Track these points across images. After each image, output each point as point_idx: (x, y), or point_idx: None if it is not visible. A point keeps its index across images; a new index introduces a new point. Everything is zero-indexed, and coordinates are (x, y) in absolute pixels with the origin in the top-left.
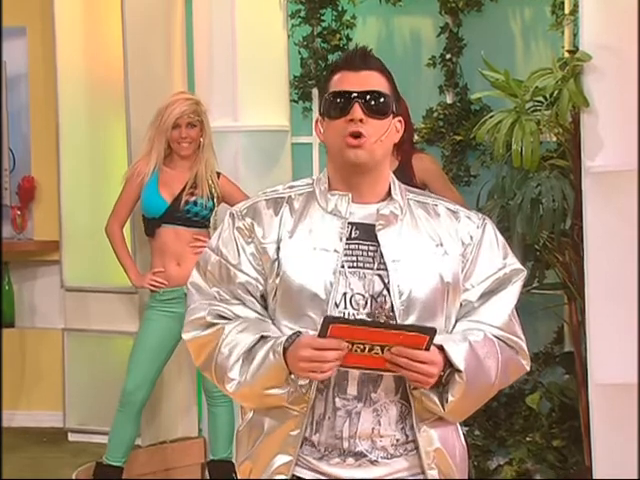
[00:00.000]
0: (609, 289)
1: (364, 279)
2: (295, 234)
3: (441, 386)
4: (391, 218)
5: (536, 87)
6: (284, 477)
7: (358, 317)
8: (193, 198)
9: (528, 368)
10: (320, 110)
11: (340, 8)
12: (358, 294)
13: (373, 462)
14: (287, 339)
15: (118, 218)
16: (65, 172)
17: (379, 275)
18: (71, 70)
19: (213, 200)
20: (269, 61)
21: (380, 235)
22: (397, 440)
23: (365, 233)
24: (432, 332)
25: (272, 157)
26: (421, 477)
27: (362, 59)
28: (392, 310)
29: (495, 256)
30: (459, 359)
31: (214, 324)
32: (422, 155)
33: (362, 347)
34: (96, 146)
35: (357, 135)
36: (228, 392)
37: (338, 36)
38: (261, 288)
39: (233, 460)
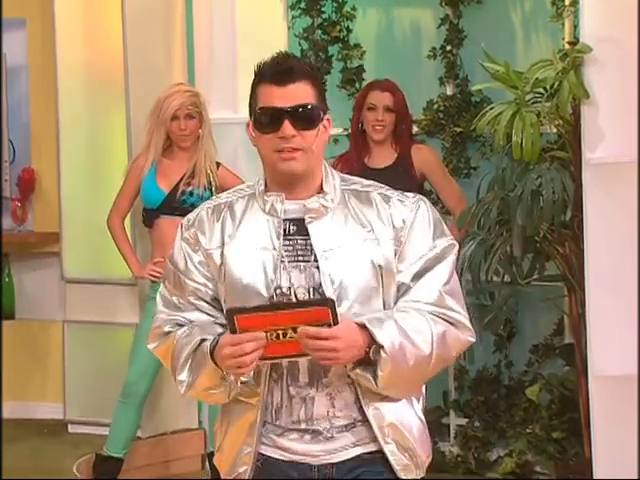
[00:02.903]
0: (609, 281)
1: (305, 272)
2: (236, 237)
3: (372, 364)
4: (320, 210)
5: (536, 79)
6: (246, 467)
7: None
8: (189, 188)
9: (472, 339)
10: (249, 116)
11: (340, 0)
12: (300, 286)
13: (328, 438)
14: (211, 342)
15: (119, 211)
16: (65, 164)
17: (317, 267)
18: (71, 62)
19: (211, 190)
20: (269, 53)
21: (310, 228)
22: (354, 419)
23: (300, 228)
24: (331, 302)
25: None
26: (374, 449)
27: (287, 73)
28: None
29: (427, 236)
30: (381, 335)
31: (170, 332)
32: (421, 146)
33: (276, 334)
34: (96, 137)
35: (289, 150)
36: (182, 393)
37: (338, 28)
38: (211, 293)
39: None
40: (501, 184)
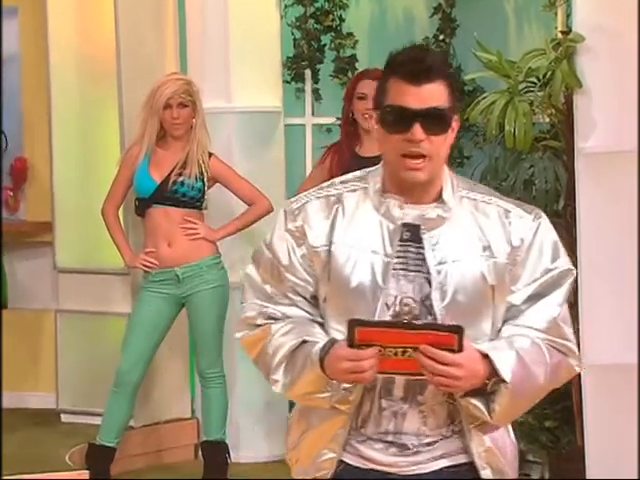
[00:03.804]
0: (602, 270)
1: (413, 282)
2: (346, 237)
3: (487, 395)
4: (437, 221)
5: (529, 68)
6: (326, 472)
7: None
8: (181, 178)
9: (579, 370)
10: (375, 108)
11: None
12: (408, 297)
13: (415, 452)
14: (322, 349)
15: (113, 200)
16: (58, 153)
17: (427, 278)
18: (63, 51)
19: (203, 181)
20: (262, 42)
21: (425, 238)
22: (443, 436)
23: (415, 235)
24: (460, 330)
25: (265, 138)
26: (463, 460)
27: (426, 71)
28: (432, 314)
29: (544, 259)
30: (505, 369)
31: (262, 325)
32: None
33: (395, 350)
34: (88, 127)
35: (416, 155)
36: (277, 392)
37: (331, 17)
38: (311, 290)
39: (226, 441)
40: (494, 173)
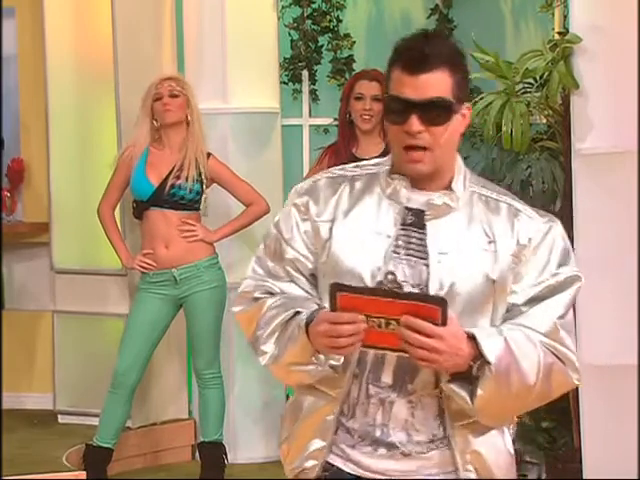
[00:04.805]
0: (598, 270)
1: (414, 268)
2: (350, 215)
3: (471, 381)
4: (443, 209)
5: (526, 69)
6: (316, 462)
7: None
8: (178, 182)
9: (577, 383)
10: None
11: None
12: (405, 281)
13: (406, 455)
14: (309, 315)
15: (109, 201)
16: (54, 153)
17: (426, 265)
18: (60, 51)
19: (201, 183)
20: (259, 43)
21: (429, 224)
22: (434, 435)
23: (419, 221)
24: (444, 303)
25: (262, 139)
26: (453, 476)
27: (421, 60)
28: None
29: (551, 261)
30: (490, 350)
31: (259, 298)
32: None
33: (378, 322)
34: (85, 127)
35: (415, 147)
36: (263, 364)
37: (328, 18)
38: (310, 266)
39: (223, 442)
40: (491, 174)
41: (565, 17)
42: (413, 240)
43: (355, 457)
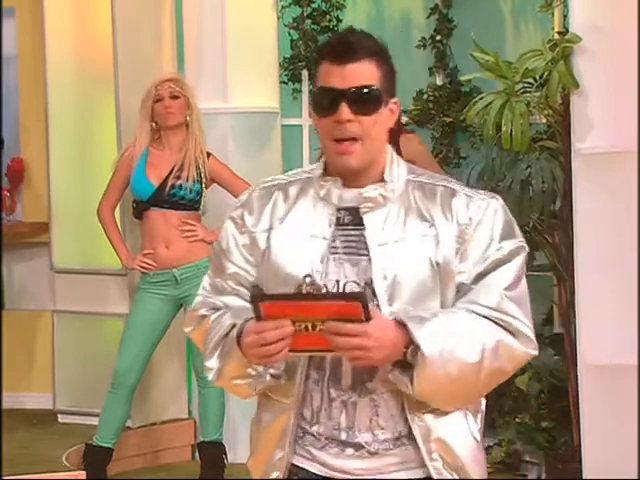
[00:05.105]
0: (598, 270)
1: (357, 265)
2: (286, 222)
3: (410, 366)
4: (378, 200)
5: (526, 69)
6: (279, 473)
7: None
8: (178, 182)
9: (534, 352)
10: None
11: None
12: (352, 281)
13: (372, 453)
14: (239, 328)
15: (109, 201)
16: (54, 153)
17: (369, 260)
18: (60, 51)
19: (201, 183)
20: (259, 43)
21: (365, 218)
22: (399, 432)
23: (356, 218)
24: (362, 297)
25: (262, 139)
26: (421, 475)
27: (347, 50)
28: (375, 296)
29: (495, 236)
30: (420, 334)
31: (205, 316)
32: (410, 136)
33: (305, 325)
34: (85, 127)
35: (344, 139)
36: (209, 380)
37: (328, 17)
38: (251, 279)
39: (223, 442)
40: (491, 174)
41: (565, 17)
42: (352, 238)
43: (322, 458)
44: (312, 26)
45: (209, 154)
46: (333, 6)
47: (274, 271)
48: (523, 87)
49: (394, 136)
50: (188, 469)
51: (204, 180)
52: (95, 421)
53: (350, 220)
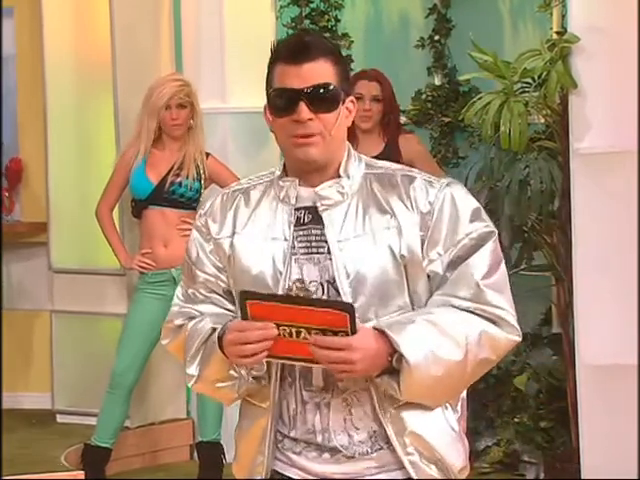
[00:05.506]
0: (597, 271)
1: (318, 264)
2: (248, 226)
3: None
4: (335, 197)
5: (524, 69)
6: (260, 477)
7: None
8: (178, 179)
9: (517, 339)
10: (267, 100)
11: None
12: (313, 281)
13: (349, 457)
14: (222, 328)
15: (107, 201)
16: (53, 153)
17: (331, 259)
18: (59, 51)
19: (200, 181)
20: (257, 43)
21: (324, 216)
22: (374, 432)
23: (316, 217)
24: (350, 309)
25: (261, 138)
26: (400, 477)
27: (304, 50)
28: (339, 294)
29: (461, 220)
30: (403, 342)
31: (181, 325)
32: (408, 136)
33: (289, 330)
34: (84, 127)
35: (306, 135)
36: (190, 387)
37: (327, 17)
38: (223, 285)
39: (221, 441)
40: (489, 174)
41: (563, 17)
42: (313, 237)
43: (300, 462)
44: (310, 26)
45: (208, 154)
46: (331, 6)
47: (239, 276)
48: (521, 87)
49: (392, 136)
50: (186, 469)
51: (203, 179)
52: (94, 421)
53: (310, 219)
